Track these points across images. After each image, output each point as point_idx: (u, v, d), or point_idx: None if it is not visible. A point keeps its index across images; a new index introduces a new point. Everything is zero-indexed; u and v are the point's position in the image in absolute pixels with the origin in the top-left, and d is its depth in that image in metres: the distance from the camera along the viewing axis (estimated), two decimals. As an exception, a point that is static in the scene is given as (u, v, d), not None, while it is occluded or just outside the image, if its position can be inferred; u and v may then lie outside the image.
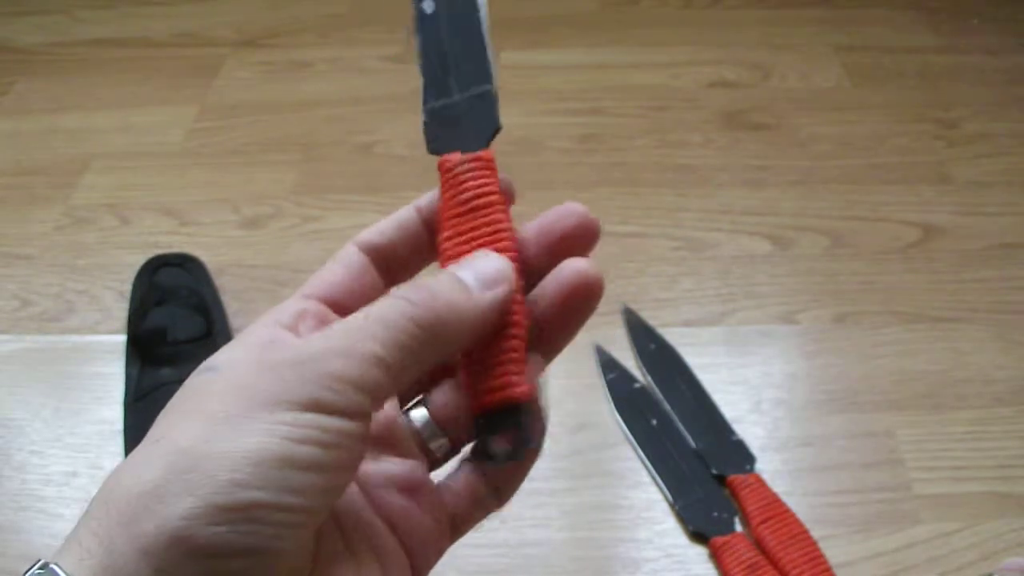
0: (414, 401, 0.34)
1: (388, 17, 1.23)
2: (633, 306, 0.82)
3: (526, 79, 1.12)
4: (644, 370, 0.77)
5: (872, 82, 1.09)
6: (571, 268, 0.33)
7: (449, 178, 0.34)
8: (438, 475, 0.34)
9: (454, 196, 0.34)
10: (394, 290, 0.31)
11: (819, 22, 1.19)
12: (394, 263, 0.35)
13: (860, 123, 1.03)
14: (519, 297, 0.32)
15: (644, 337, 0.79)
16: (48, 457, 0.73)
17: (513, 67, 1.14)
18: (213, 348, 0.76)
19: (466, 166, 0.34)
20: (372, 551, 0.31)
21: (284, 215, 0.94)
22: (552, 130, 1.03)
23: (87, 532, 0.26)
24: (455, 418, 0.33)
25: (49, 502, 0.70)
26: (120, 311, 0.84)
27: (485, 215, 0.33)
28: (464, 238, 0.33)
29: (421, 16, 0.36)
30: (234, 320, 0.82)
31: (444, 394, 0.34)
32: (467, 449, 0.34)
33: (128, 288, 0.85)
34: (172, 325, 0.77)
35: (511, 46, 1.17)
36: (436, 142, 0.35)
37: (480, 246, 0.33)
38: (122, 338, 0.80)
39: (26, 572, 0.25)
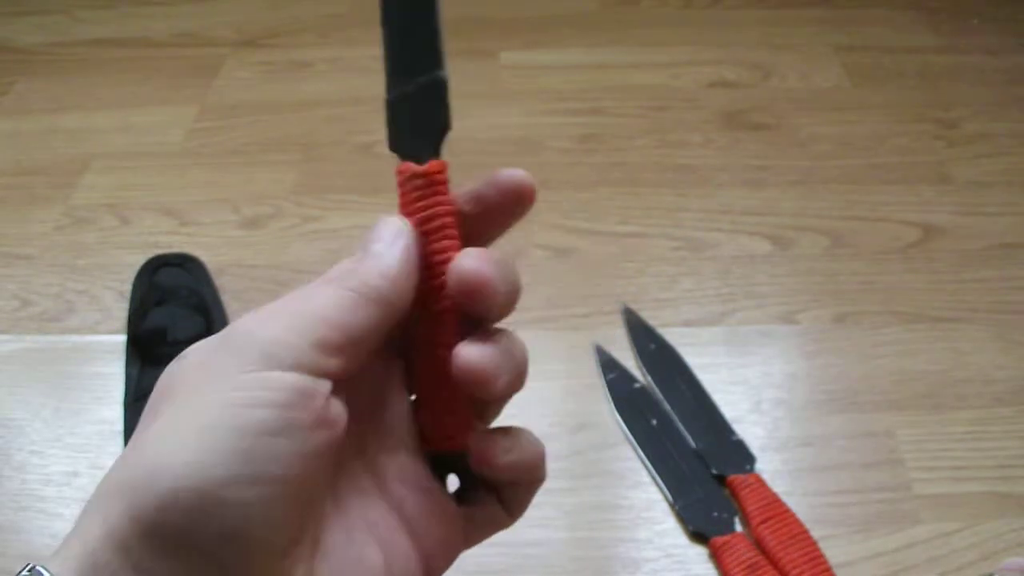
0: None
1: (388, 17, 1.23)
2: (633, 306, 0.82)
3: (526, 79, 1.12)
4: (644, 370, 0.77)
5: (872, 82, 1.09)
6: (507, 174, 0.35)
7: (402, 191, 0.34)
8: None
9: (406, 211, 0.34)
10: (325, 275, 0.31)
11: (819, 22, 1.19)
12: None
13: (860, 123, 1.03)
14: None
15: (644, 337, 0.79)
16: (48, 457, 0.73)
17: (513, 67, 1.14)
18: (213, 348, 0.77)
19: (414, 183, 0.34)
20: (377, 544, 0.31)
21: (284, 215, 0.94)
22: (552, 130, 1.04)
23: (96, 515, 0.26)
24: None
25: (49, 502, 0.70)
26: (120, 311, 0.84)
27: (435, 238, 0.33)
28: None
29: (383, 4, 0.36)
30: (234, 320, 0.82)
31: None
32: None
33: (128, 288, 0.85)
34: (172, 325, 0.77)
35: (511, 46, 1.17)
36: (393, 140, 0.35)
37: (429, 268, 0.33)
38: (122, 338, 0.80)
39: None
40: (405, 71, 0.35)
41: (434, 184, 0.34)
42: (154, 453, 0.26)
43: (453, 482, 0.34)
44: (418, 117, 0.35)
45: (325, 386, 0.28)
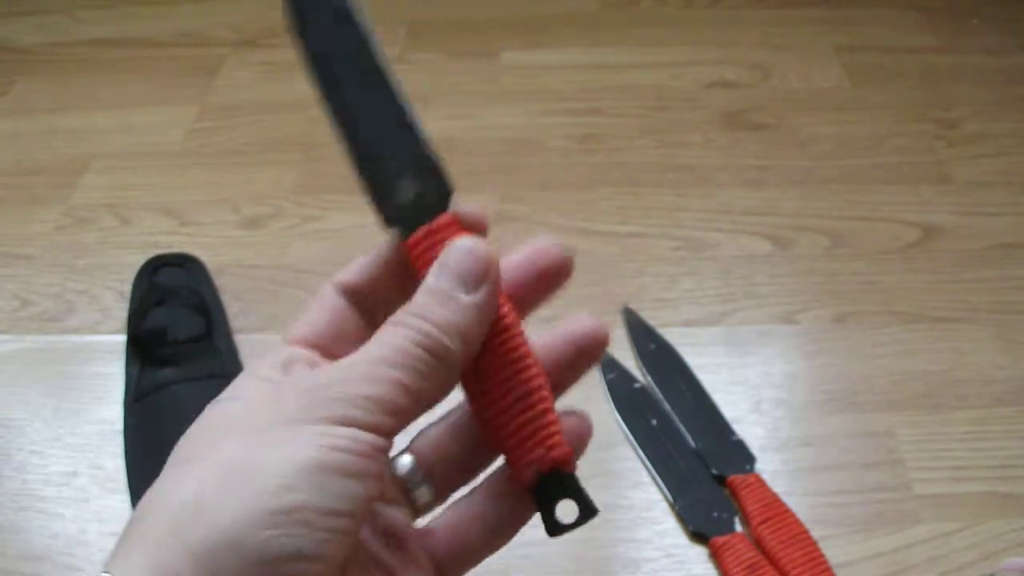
0: (400, 449, 0.35)
1: (388, 17, 1.23)
2: (633, 306, 0.82)
3: (526, 79, 1.12)
4: (644, 370, 0.77)
5: (872, 82, 1.09)
6: (580, 326, 0.35)
7: (418, 258, 0.33)
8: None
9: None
10: (391, 318, 0.31)
11: (819, 22, 1.19)
12: (373, 302, 0.35)
13: (860, 123, 1.03)
14: (530, 354, 0.33)
15: (644, 337, 0.79)
16: (48, 457, 0.73)
17: (513, 67, 1.14)
18: (213, 348, 0.77)
19: (433, 239, 0.33)
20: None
21: (284, 215, 0.94)
22: (552, 130, 1.03)
23: (137, 548, 0.26)
24: (442, 463, 0.34)
25: (49, 502, 0.70)
26: (120, 311, 0.84)
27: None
28: None
29: (309, 56, 0.34)
30: (234, 320, 0.82)
31: (429, 440, 0.35)
32: (454, 497, 0.35)
33: (128, 288, 0.85)
34: (172, 325, 0.77)
35: (511, 46, 1.17)
36: (392, 213, 0.34)
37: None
38: (122, 338, 0.80)
39: None
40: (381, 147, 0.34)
41: (454, 231, 0.33)
42: (233, 471, 0.27)
43: (568, 510, 0.33)
44: (419, 190, 0.34)
45: (390, 448, 0.30)
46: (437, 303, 0.31)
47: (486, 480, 0.35)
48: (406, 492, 0.34)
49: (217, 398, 0.31)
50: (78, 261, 0.90)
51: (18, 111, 1.11)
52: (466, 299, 0.31)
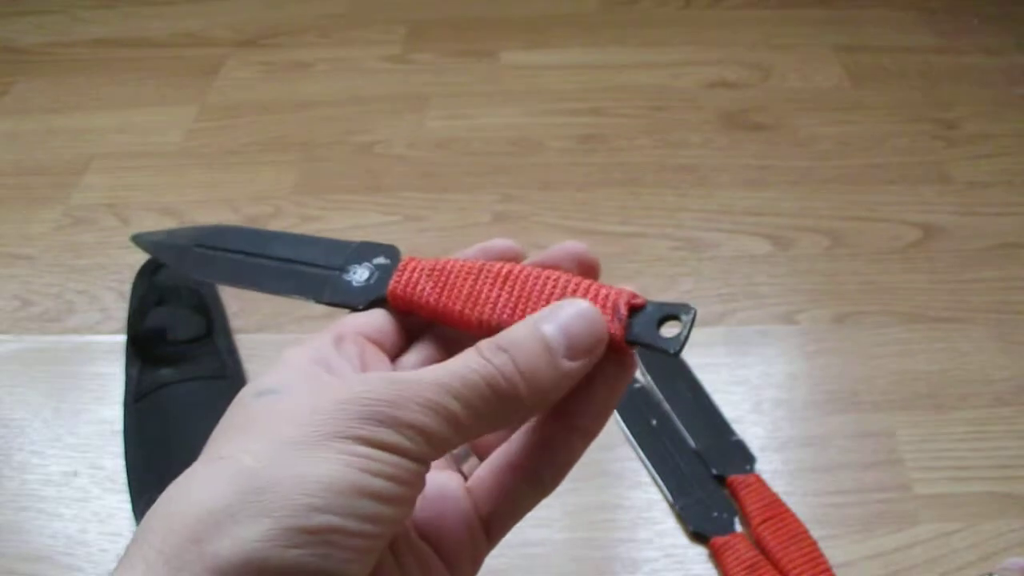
0: None
1: (388, 17, 1.23)
2: (633, 306, 0.82)
3: (526, 79, 1.12)
4: (644, 370, 0.77)
5: (872, 82, 1.09)
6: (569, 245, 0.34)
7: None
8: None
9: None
10: (480, 345, 0.30)
11: (819, 22, 1.19)
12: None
13: (860, 123, 1.03)
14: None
15: (644, 337, 0.79)
16: (48, 457, 0.73)
17: (513, 67, 1.14)
18: (213, 348, 0.77)
19: (407, 286, 0.35)
20: (420, 570, 0.31)
21: (284, 215, 0.94)
22: (552, 130, 1.04)
23: (150, 549, 0.25)
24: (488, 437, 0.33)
25: (49, 502, 0.70)
26: (120, 311, 0.84)
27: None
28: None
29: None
30: (234, 320, 0.82)
31: None
32: (500, 451, 0.33)
33: (128, 288, 0.85)
34: (172, 325, 0.77)
35: (511, 46, 1.17)
36: (364, 300, 0.37)
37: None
38: (122, 338, 0.80)
39: None
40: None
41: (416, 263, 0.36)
42: (263, 483, 0.26)
43: (669, 328, 0.32)
44: (368, 265, 0.37)
45: (426, 472, 0.29)
46: (533, 351, 0.29)
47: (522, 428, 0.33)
48: (456, 462, 0.34)
49: (259, 383, 0.30)
50: (78, 261, 0.90)
51: (18, 111, 1.11)
52: (565, 365, 0.29)
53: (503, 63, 1.15)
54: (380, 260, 0.36)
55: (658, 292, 0.84)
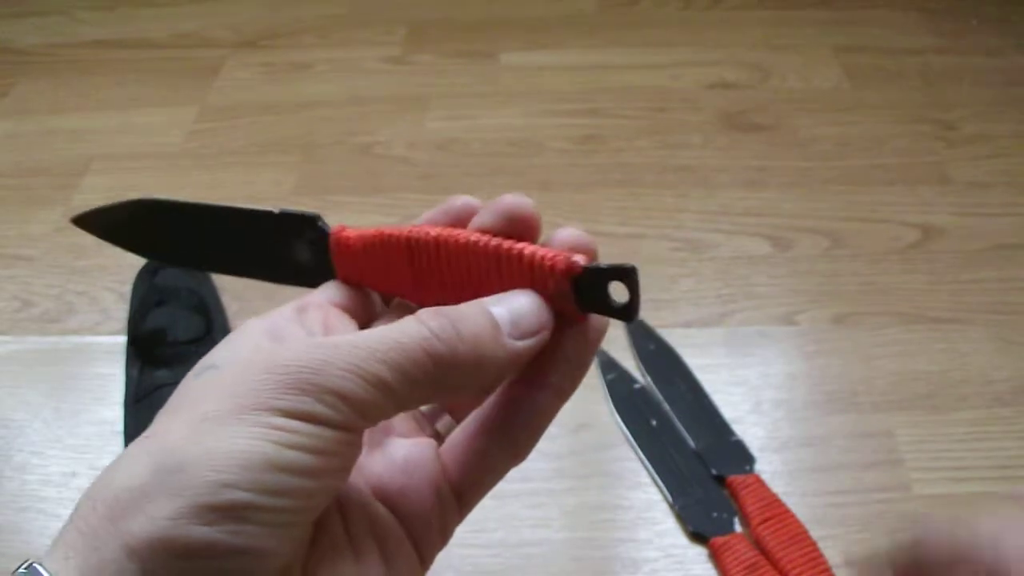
0: None
1: (388, 18, 1.23)
2: (633, 307, 0.82)
3: (526, 80, 1.12)
4: (644, 370, 0.77)
5: (872, 83, 1.09)
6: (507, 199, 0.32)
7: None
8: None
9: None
10: (421, 312, 0.29)
11: (819, 23, 1.19)
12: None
13: (860, 124, 1.03)
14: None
15: (644, 337, 0.79)
16: (48, 458, 0.73)
17: (513, 68, 1.14)
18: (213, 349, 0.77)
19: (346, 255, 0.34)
20: (374, 538, 0.30)
21: (284, 216, 0.94)
22: (552, 131, 1.04)
23: (73, 530, 0.26)
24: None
25: (49, 503, 0.70)
26: (120, 312, 0.84)
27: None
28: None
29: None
30: (234, 321, 0.82)
31: None
32: (472, 415, 0.32)
33: (128, 289, 0.85)
34: (172, 326, 0.77)
35: (511, 47, 1.17)
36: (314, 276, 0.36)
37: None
38: (122, 339, 0.80)
39: (13, 572, 0.25)
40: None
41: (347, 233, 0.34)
42: (176, 461, 0.26)
43: (617, 290, 0.30)
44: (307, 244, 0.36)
45: (360, 437, 0.28)
46: (477, 321, 0.28)
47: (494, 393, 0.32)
48: (430, 422, 0.33)
49: (204, 360, 0.30)
50: (78, 262, 0.90)
51: (18, 112, 1.11)
52: (507, 341, 0.29)
53: (503, 64, 1.15)
54: (309, 235, 0.35)
55: (658, 292, 0.84)
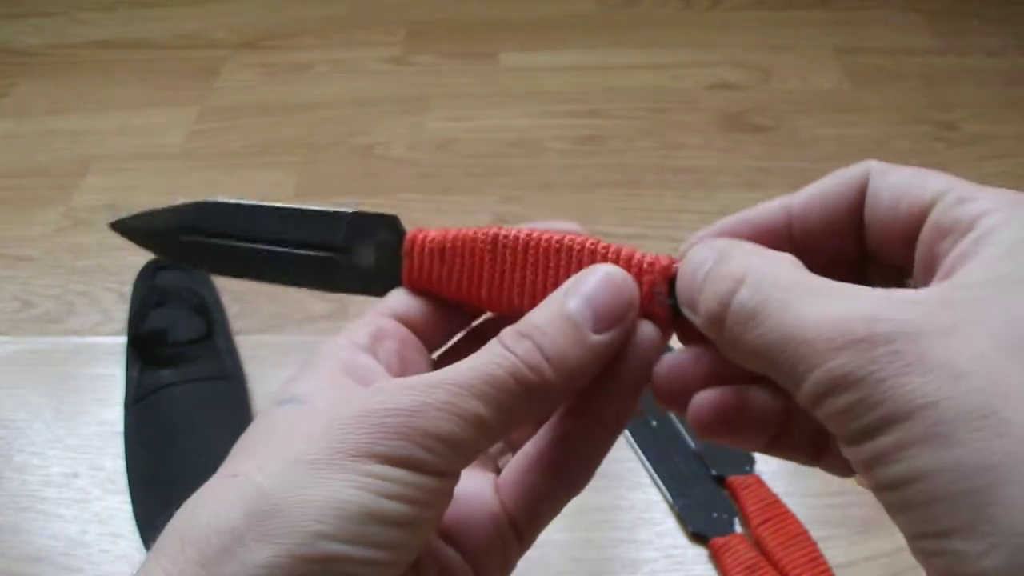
0: None
1: (388, 19, 1.23)
2: (633, 307, 0.82)
3: (526, 81, 1.12)
4: (644, 371, 0.77)
5: (872, 84, 1.09)
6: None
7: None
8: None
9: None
10: (503, 335, 0.27)
11: (819, 24, 1.19)
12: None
13: (860, 125, 1.03)
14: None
15: (644, 338, 0.79)
16: (48, 458, 0.73)
17: (513, 69, 1.14)
18: (213, 350, 0.77)
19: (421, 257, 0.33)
20: (438, 571, 0.29)
21: (284, 216, 0.94)
22: (552, 131, 1.04)
23: (159, 569, 0.25)
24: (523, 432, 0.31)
25: (49, 503, 0.70)
26: (120, 312, 0.84)
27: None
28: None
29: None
30: (234, 322, 0.82)
31: None
32: (527, 447, 0.31)
33: (128, 290, 0.85)
34: (172, 326, 0.77)
35: (511, 48, 1.17)
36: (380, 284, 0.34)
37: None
38: (122, 339, 0.80)
39: None
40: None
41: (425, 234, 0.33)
42: (272, 506, 0.25)
43: None
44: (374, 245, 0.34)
45: (455, 483, 0.27)
46: (558, 331, 0.27)
47: (547, 423, 0.31)
48: (492, 460, 0.32)
49: (285, 390, 0.28)
50: (79, 262, 0.90)
51: (18, 113, 1.11)
52: (594, 339, 0.27)
53: (503, 65, 1.15)
54: (382, 236, 0.33)
55: (658, 293, 0.84)
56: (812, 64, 1.12)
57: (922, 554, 0.22)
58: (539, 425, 0.31)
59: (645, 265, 0.29)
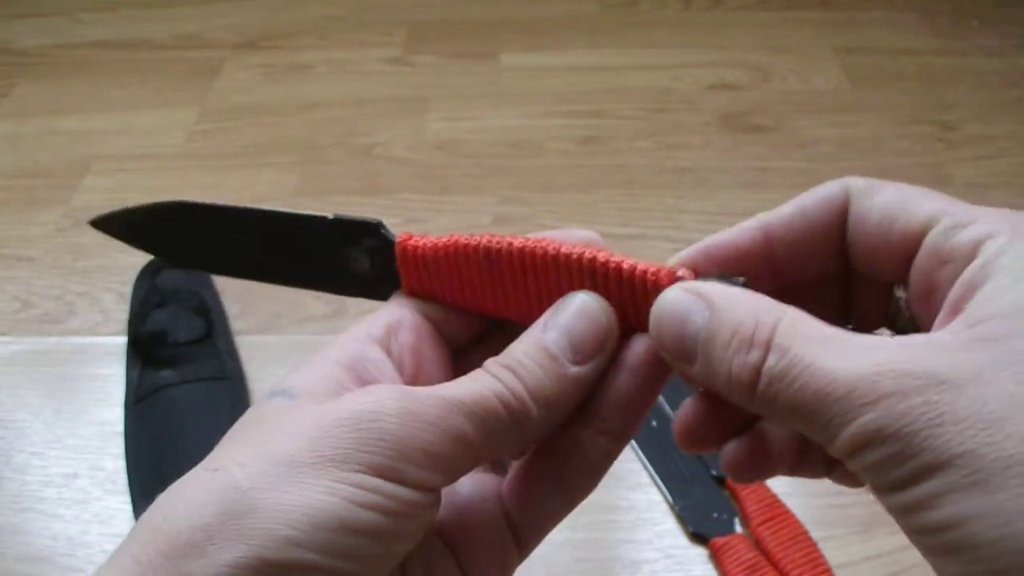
0: None
1: (388, 19, 1.23)
2: (633, 307, 0.82)
3: (526, 81, 1.12)
4: (644, 371, 0.77)
5: (872, 84, 1.09)
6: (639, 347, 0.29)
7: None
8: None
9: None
10: (488, 363, 0.28)
11: (819, 24, 1.20)
12: None
13: (860, 125, 1.03)
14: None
15: (644, 338, 0.79)
16: (48, 459, 0.73)
17: (513, 69, 1.14)
18: (213, 350, 0.77)
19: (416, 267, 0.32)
20: (425, 573, 0.29)
21: (284, 217, 0.94)
22: (552, 132, 1.04)
23: (129, 556, 0.25)
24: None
25: (49, 503, 0.70)
26: (121, 313, 0.84)
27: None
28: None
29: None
30: (235, 322, 0.82)
31: None
32: (529, 456, 0.31)
33: (129, 290, 0.85)
34: (172, 327, 0.77)
35: (511, 48, 1.17)
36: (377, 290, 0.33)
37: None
38: (123, 340, 0.80)
39: None
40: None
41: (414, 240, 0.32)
42: (247, 506, 0.24)
43: None
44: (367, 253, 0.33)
45: (438, 498, 0.27)
46: (538, 364, 0.28)
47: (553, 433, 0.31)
48: (499, 460, 0.32)
49: (279, 382, 0.28)
50: (79, 263, 0.90)
51: (18, 113, 1.11)
52: (572, 371, 0.28)
53: (503, 65, 1.15)
54: (369, 243, 0.32)
55: (658, 293, 0.84)
56: (812, 64, 1.12)
57: None
58: (520, 455, 0.31)
59: (649, 281, 0.28)
